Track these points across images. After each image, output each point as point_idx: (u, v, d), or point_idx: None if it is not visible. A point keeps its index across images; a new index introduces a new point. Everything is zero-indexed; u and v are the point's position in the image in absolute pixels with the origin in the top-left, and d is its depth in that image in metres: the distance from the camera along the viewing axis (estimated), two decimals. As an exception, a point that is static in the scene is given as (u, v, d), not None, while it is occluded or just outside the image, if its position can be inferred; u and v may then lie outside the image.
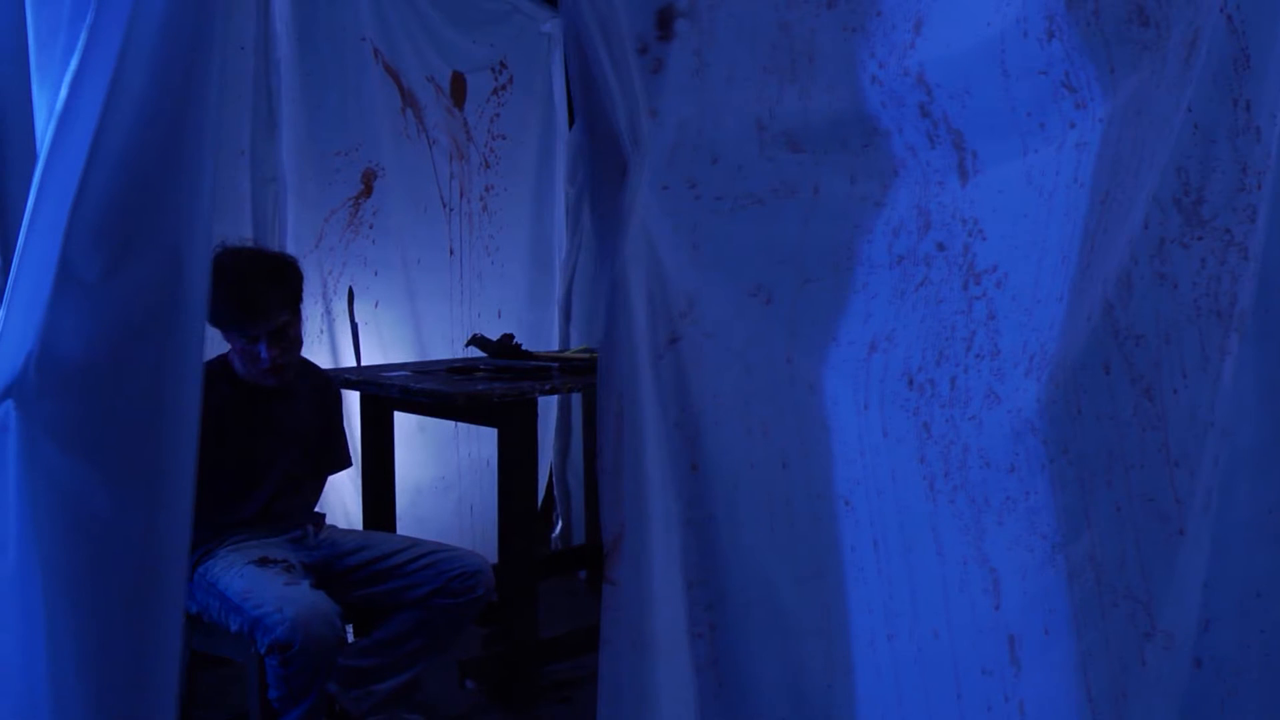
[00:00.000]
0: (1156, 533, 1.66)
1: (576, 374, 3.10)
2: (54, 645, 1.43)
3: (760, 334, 1.28)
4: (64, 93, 1.34)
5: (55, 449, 1.42)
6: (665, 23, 1.14)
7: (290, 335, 2.46)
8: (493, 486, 4.01)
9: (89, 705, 1.42)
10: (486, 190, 4.16)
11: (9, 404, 1.41)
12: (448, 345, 4.02)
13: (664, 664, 1.19)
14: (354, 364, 3.65)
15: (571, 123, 4.27)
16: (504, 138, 4.20)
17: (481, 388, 2.87)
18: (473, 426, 3.85)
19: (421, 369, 3.37)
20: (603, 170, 1.17)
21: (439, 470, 4.02)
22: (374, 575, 2.62)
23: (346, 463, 2.91)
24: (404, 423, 3.55)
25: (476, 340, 3.41)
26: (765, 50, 1.21)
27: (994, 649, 1.55)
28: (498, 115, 4.17)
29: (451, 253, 4.07)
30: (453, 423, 3.82)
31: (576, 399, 4.21)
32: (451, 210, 4.07)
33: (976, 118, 1.36)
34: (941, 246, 1.38)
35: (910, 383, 1.44)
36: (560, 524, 4.39)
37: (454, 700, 3.07)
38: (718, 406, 1.24)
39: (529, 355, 3.33)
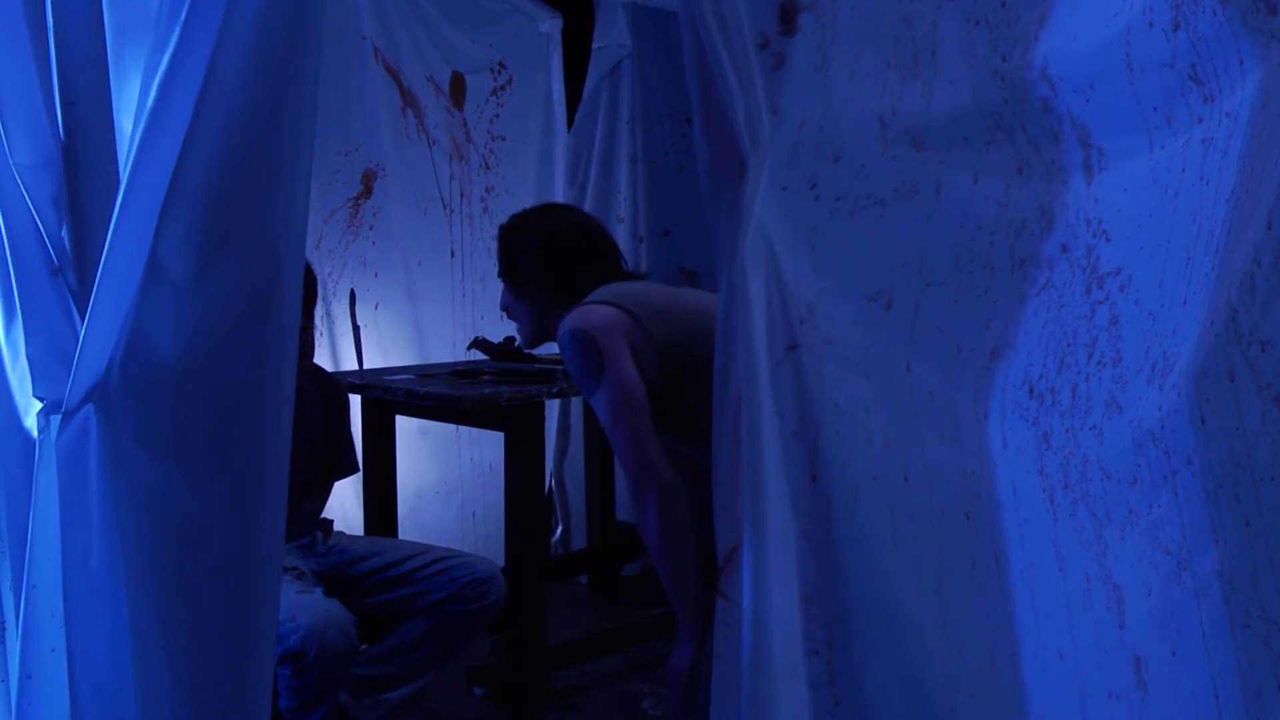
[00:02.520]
0: (1290, 549, 1.57)
1: None
2: (143, 654, 1.41)
3: (880, 341, 1.23)
4: (155, 91, 1.32)
5: (141, 453, 1.40)
6: (788, 16, 1.09)
7: (301, 340, 2.44)
8: (496, 491, 4.00)
9: (182, 713, 1.39)
10: (487, 191, 4.15)
11: (89, 408, 1.40)
12: (449, 348, 4.00)
13: (782, 682, 1.14)
14: (354, 367, 3.63)
15: (570, 125, 4.24)
16: (503, 139, 4.18)
17: (488, 391, 2.87)
18: (475, 430, 3.83)
19: (425, 372, 3.36)
20: (719, 170, 1.12)
21: (440, 475, 4.00)
22: (385, 582, 2.59)
23: (355, 468, 2.90)
24: (405, 426, 3.54)
25: (479, 343, 3.39)
26: (888, 44, 1.16)
27: (1120, 671, 1.47)
28: (497, 116, 4.16)
29: (453, 255, 4.06)
30: (454, 427, 3.80)
31: (576, 401, 4.15)
32: (452, 212, 4.06)
33: (1101, 113, 1.30)
34: (1065, 248, 1.32)
35: (1030, 391, 1.38)
36: (560, 528, 4.34)
37: (462, 707, 3.06)
38: (838, 416, 1.19)
39: (532, 358, 3.31)
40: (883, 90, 1.17)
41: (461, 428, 3.87)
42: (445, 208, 4.04)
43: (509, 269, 2.48)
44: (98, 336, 1.38)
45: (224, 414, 1.38)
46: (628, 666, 3.43)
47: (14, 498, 1.59)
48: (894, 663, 1.25)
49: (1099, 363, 1.40)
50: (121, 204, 1.33)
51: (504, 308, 2.57)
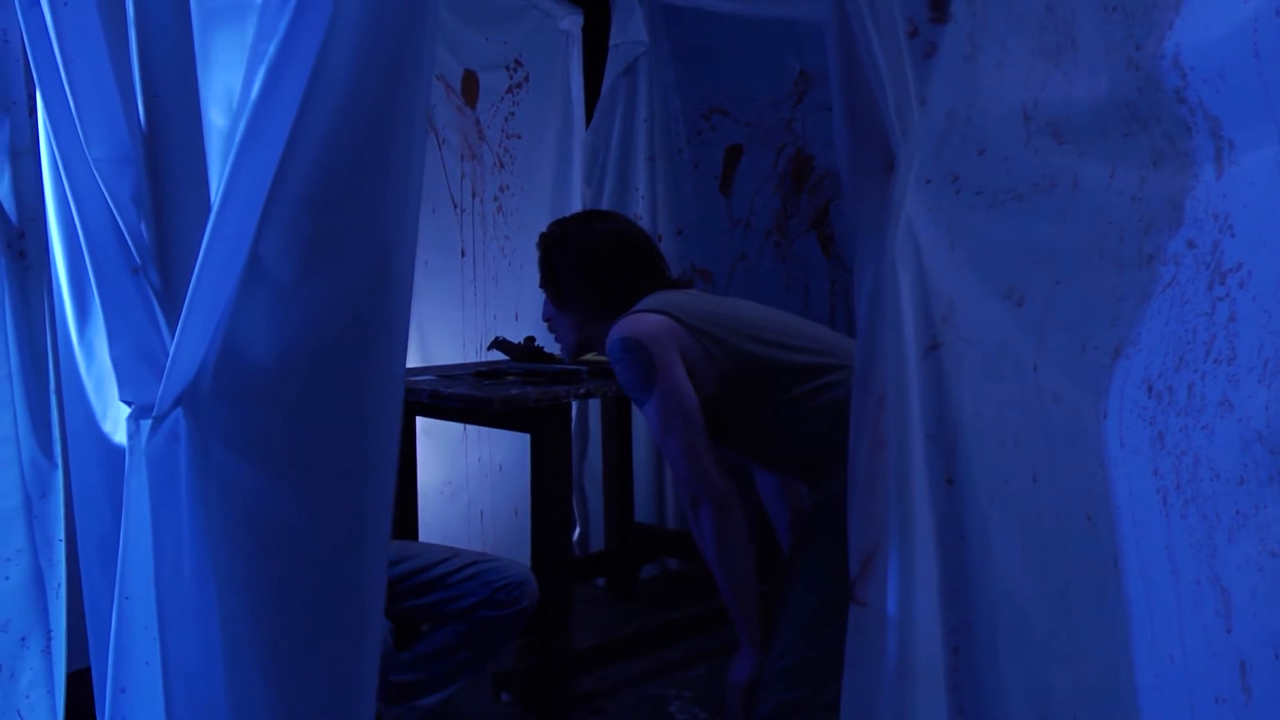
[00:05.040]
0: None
1: (607, 378, 3.04)
2: (237, 668, 1.36)
3: (1011, 340, 1.20)
4: (259, 83, 1.26)
5: (234, 458, 1.35)
6: (940, 4, 1.06)
7: None
8: (505, 491, 3.95)
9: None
10: (501, 190, 4.09)
11: (179, 412, 1.34)
12: (459, 349, 3.94)
13: (925, 692, 1.11)
14: None
15: (589, 122, 4.19)
16: (519, 137, 4.12)
17: (514, 392, 2.84)
18: (483, 430, 3.79)
19: (446, 373, 3.32)
20: (863, 163, 1.09)
21: (446, 474, 3.93)
22: (417, 587, 2.53)
23: None
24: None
25: (499, 343, 3.36)
26: (1033, 32, 1.13)
27: (1226, 675, 1.45)
28: (512, 114, 4.09)
29: (463, 254, 4.00)
30: (461, 426, 3.75)
31: (594, 401, 4.12)
32: (463, 211, 3.99)
33: (1231, 104, 1.27)
34: (1191, 244, 1.29)
35: (1149, 390, 1.35)
36: (578, 529, 4.30)
37: (489, 713, 3.03)
38: (976, 417, 1.16)
39: (553, 358, 3.27)
40: (1027, 80, 1.13)
41: (468, 427, 3.82)
42: (456, 207, 3.98)
43: (550, 279, 2.43)
44: (191, 341, 1.32)
45: (327, 418, 1.32)
46: (651, 670, 3.40)
47: (90, 503, 1.54)
48: (1020, 671, 1.22)
49: (1215, 360, 1.38)
50: (221, 200, 1.27)
51: (546, 319, 2.53)
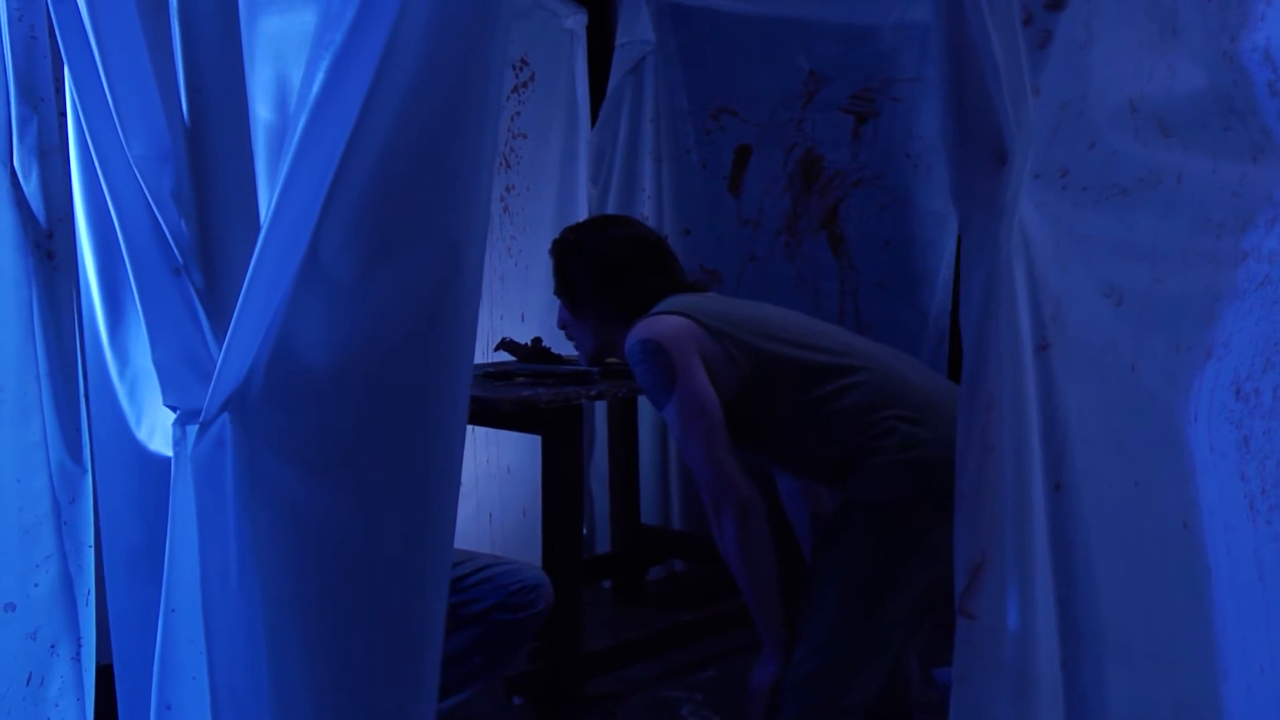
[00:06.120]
0: None
1: (618, 379, 2.99)
2: (283, 685, 1.30)
3: (1111, 339, 1.16)
4: (322, 76, 1.20)
5: (284, 466, 1.28)
6: (1057, -11, 1.02)
7: None
8: (514, 493, 3.90)
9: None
10: (507, 190, 4.03)
11: (225, 418, 1.28)
12: None
13: (1047, 711, 1.06)
14: None
15: (594, 122, 4.15)
16: (525, 136, 4.06)
17: (526, 393, 2.80)
18: (492, 431, 3.73)
19: None
20: (972, 157, 1.04)
21: None
22: None
23: None
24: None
25: (506, 344, 3.31)
26: (1140, 20, 1.09)
27: (1312, 684, 1.41)
28: (518, 114, 4.04)
29: None
30: (469, 428, 3.69)
31: (600, 403, 4.06)
32: None
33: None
34: (1287, 241, 1.25)
35: (1237, 392, 1.31)
36: (584, 532, 4.26)
37: (501, 717, 2.99)
38: (1083, 421, 1.11)
39: (560, 359, 3.23)
40: (1135, 70, 1.09)
41: (476, 429, 3.76)
42: (459, 206, 3.92)
43: (565, 286, 2.38)
44: (242, 339, 1.26)
45: (387, 424, 1.25)
46: (661, 672, 3.37)
47: (119, 513, 1.48)
48: (1126, 684, 1.17)
49: (1303, 362, 1.34)
50: (279, 198, 1.20)
51: (562, 325, 2.48)
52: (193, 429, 1.29)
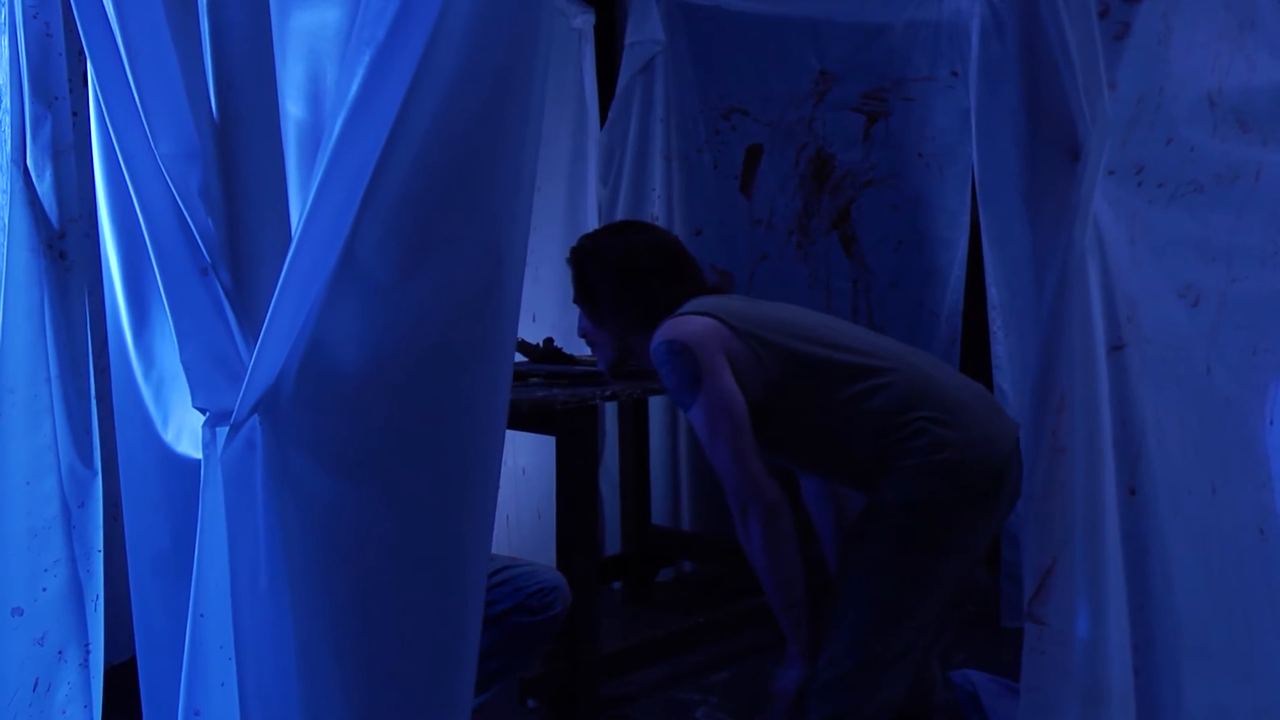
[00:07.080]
0: None
1: (631, 379, 2.96)
2: (315, 691, 1.26)
3: (1186, 340, 1.12)
4: (361, 73, 1.16)
5: (316, 469, 1.24)
6: (1136, -21, 0.97)
7: None
8: (529, 495, 3.85)
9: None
10: None
11: (255, 419, 1.24)
12: None
13: (1119, 718, 1.02)
14: None
15: (603, 122, 4.11)
16: None
17: (541, 394, 2.74)
18: (506, 433, 3.69)
19: None
20: (1045, 152, 1.00)
21: None
22: None
23: None
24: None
25: (518, 345, 3.27)
26: (1219, 12, 1.05)
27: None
28: None
29: None
30: None
31: (611, 404, 4.01)
32: None
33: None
34: (1360, 239, 1.21)
35: (1308, 394, 1.28)
36: None
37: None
38: (1158, 424, 1.07)
39: (573, 359, 3.19)
40: (1213, 64, 1.06)
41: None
42: (468, 208, 3.88)
43: (586, 294, 2.34)
44: (274, 340, 1.22)
45: (424, 427, 1.21)
46: (674, 675, 3.33)
47: (145, 516, 1.43)
48: (1202, 693, 1.13)
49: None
50: (316, 197, 1.16)
51: (583, 334, 2.44)
52: (222, 431, 1.24)
